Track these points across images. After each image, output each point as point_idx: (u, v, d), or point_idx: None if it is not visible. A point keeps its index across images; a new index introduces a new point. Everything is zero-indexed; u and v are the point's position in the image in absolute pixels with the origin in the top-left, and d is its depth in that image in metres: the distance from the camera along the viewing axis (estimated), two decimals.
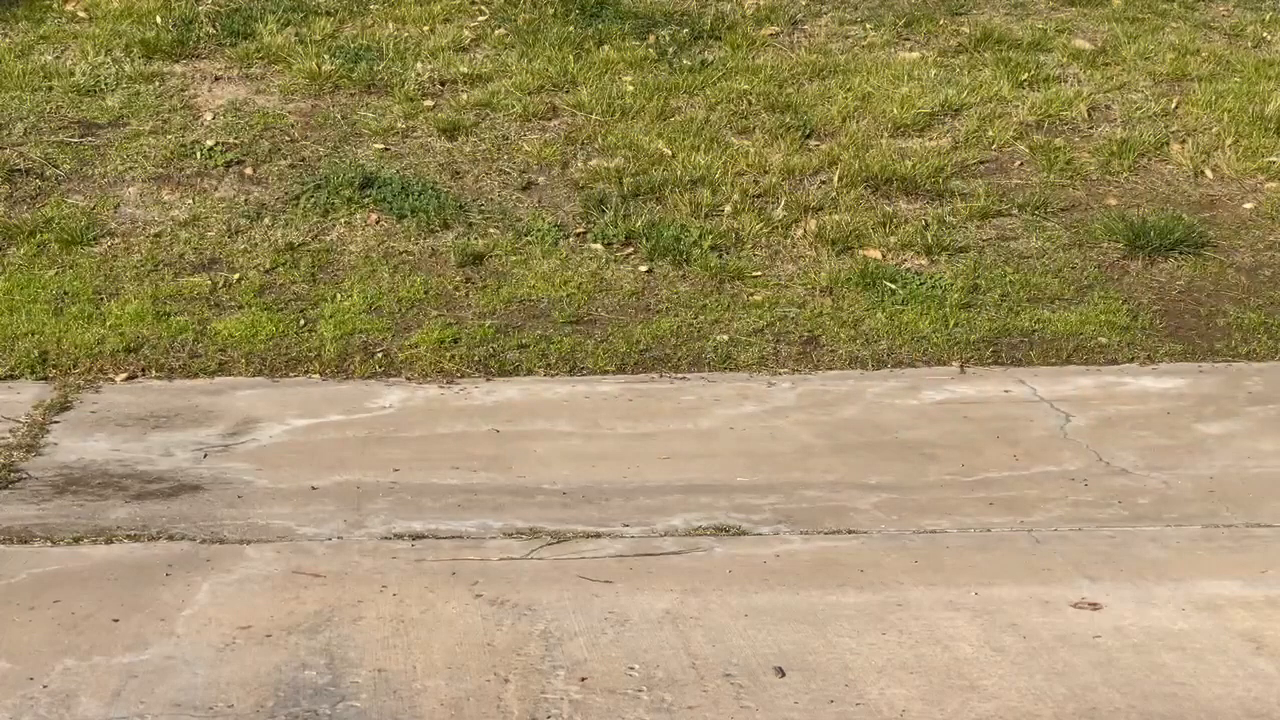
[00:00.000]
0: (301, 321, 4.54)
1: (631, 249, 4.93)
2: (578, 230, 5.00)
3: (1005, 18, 6.27)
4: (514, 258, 4.87)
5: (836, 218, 5.09)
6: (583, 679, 2.69)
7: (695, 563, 3.17)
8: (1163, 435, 3.96)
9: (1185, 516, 3.45)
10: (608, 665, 2.74)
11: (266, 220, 4.98)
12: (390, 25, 5.99)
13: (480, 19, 6.10)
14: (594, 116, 5.51)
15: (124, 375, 4.30)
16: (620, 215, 5.03)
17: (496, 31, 6.00)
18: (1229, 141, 5.52)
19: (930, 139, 5.51)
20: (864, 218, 5.10)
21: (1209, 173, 5.43)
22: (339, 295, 4.65)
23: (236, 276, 4.74)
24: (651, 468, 3.72)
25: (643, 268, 4.85)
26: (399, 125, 5.45)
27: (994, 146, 5.50)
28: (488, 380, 4.33)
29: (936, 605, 2.98)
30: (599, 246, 4.94)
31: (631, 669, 2.73)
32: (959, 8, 6.34)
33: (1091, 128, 5.62)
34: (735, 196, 5.16)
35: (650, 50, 5.90)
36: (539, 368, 4.40)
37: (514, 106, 5.54)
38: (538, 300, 4.69)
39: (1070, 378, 4.38)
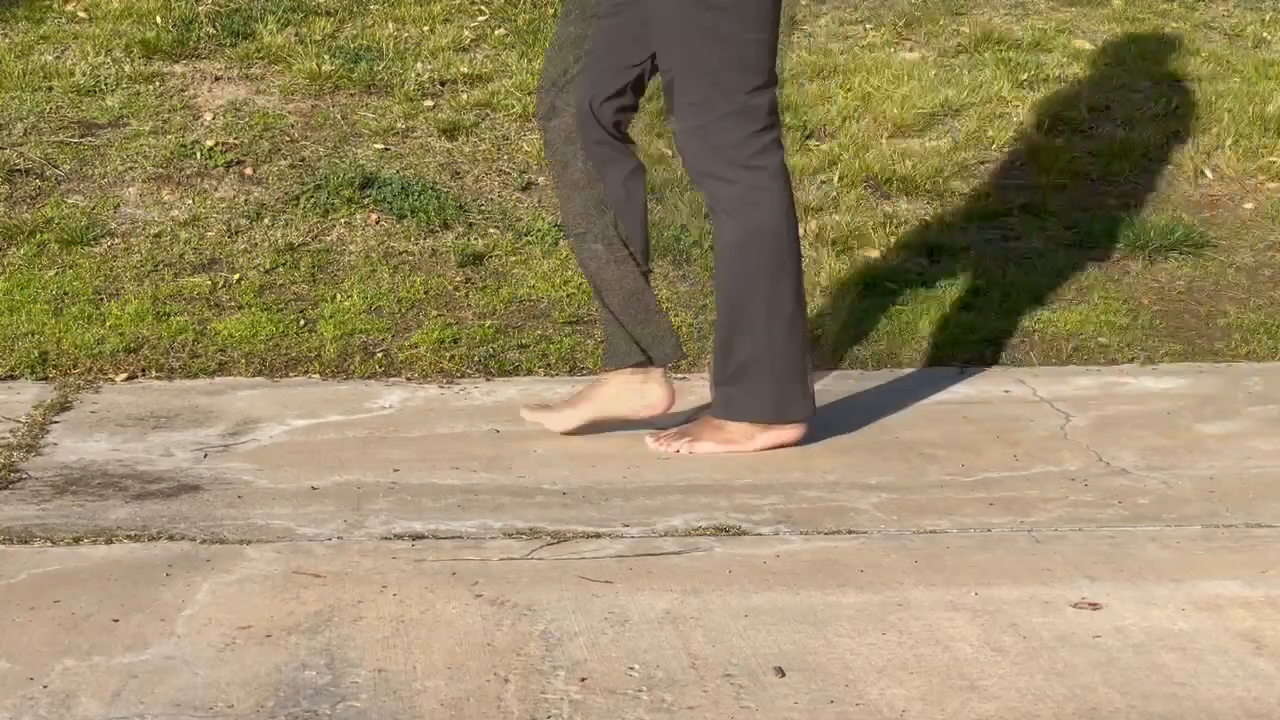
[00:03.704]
0: (301, 322, 4.54)
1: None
2: (578, 230, 5.00)
3: (1005, 18, 6.27)
4: (514, 258, 4.88)
5: (836, 218, 5.10)
6: (583, 679, 2.69)
7: (695, 563, 3.17)
8: (1163, 435, 3.96)
9: (1185, 516, 3.45)
10: (608, 665, 2.74)
11: (266, 220, 4.98)
12: (390, 25, 6.00)
13: (480, 19, 6.10)
14: None
15: (124, 375, 4.30)
16: None
17: (496, 31, 6.00)
18: (1229, 141, 5.52)
19: (930, 139, 5.52)
20: (864, 218, 5.11)
21: (1209, 173, 5.43)
22: (339, 295, 4.66)
23: (236, 277, 4.74)
24: (651, 468, 3.72)
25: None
26: (399, 125, 5.45)
27: (994, 146, 5.50)
28: (488, 380, 4.33)
29: (936, 605, 2.98)
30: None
31: (631, 669, 2.73)
32: (959, 8, 6.34)
33: (1091, 128, 5.63)
34: None
35: None
36: (539, 368, 4.40)
37: (514, 106, 5.54)
38: (538, 300, 4.69)
39: (1070, 378, 4.38)
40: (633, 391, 3.83)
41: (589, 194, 3.79)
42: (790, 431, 3.80)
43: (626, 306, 3.81)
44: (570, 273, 4.80)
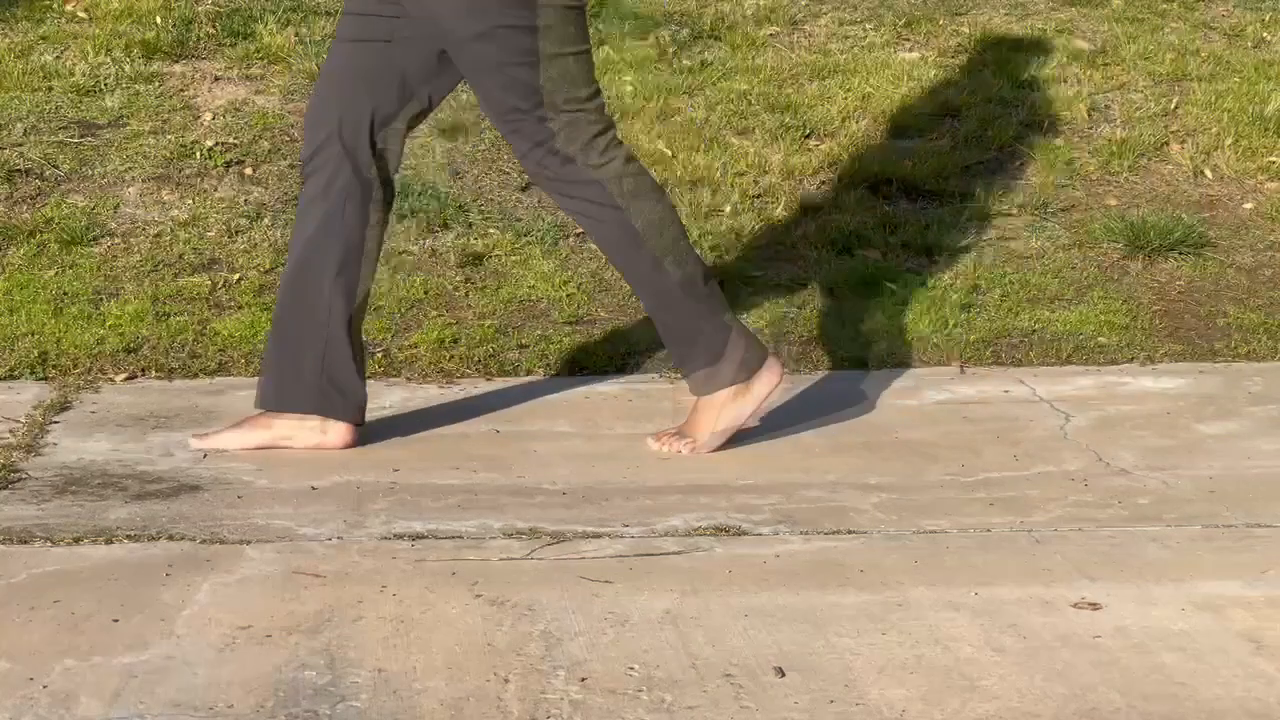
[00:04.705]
0: None
1: None
2: (578, 230, 5.00)
3: (1005, 18, 6.27)
4: (514, 258, 4.87)
5: (836, 218, 5.10)
6: (583, 679, 2.69)
7: (695, 563, 3.17)
8: (1163, 435, 3.96)
9: (1185, 516, 3.45)
10: (608, 665, 2.74)
11: (266, 220, 4.98)
12: None
13: None
14: None
15: (124, 375, 4.30)
16: None
17: None
18: (1229, 141, 5.53)
19: (930, 139, 5.52)
20: (864, 218, 5.11)
21: (1209, 173, 5.43)
22: None
23: (236, 276, 4.74)
24: (651, 468, 3.72)
25: None
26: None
27: (994, 146, 5.50)
28: (488, 380, 4.34)
29: (937, 605, 2.98)
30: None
31: (631, 669, 2.73)
32: (959, 8, 6.34)
33: (1091, 128, 5.63)
34: (735, 197, 5.16)
35: (650, 50, 5.90)
36: (539, 368, 4.40)
37: None
38: (538, 300, 4.69)
39: (1070, 378, 4.38)
40: (311, 430, 3.81)
41: (343, 233, 3.76)
42: (770, 375, 3.80)
43: (327, 353, 3.78)
44: (570, 273, 4.80)
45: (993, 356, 4.50)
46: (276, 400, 3.81)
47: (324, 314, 3.76)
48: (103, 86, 5.55)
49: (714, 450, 3.81)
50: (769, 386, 3.82)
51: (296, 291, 3.77)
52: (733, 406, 3.81)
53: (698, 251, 3.83)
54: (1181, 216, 5.15)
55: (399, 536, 3.29)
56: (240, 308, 4.59)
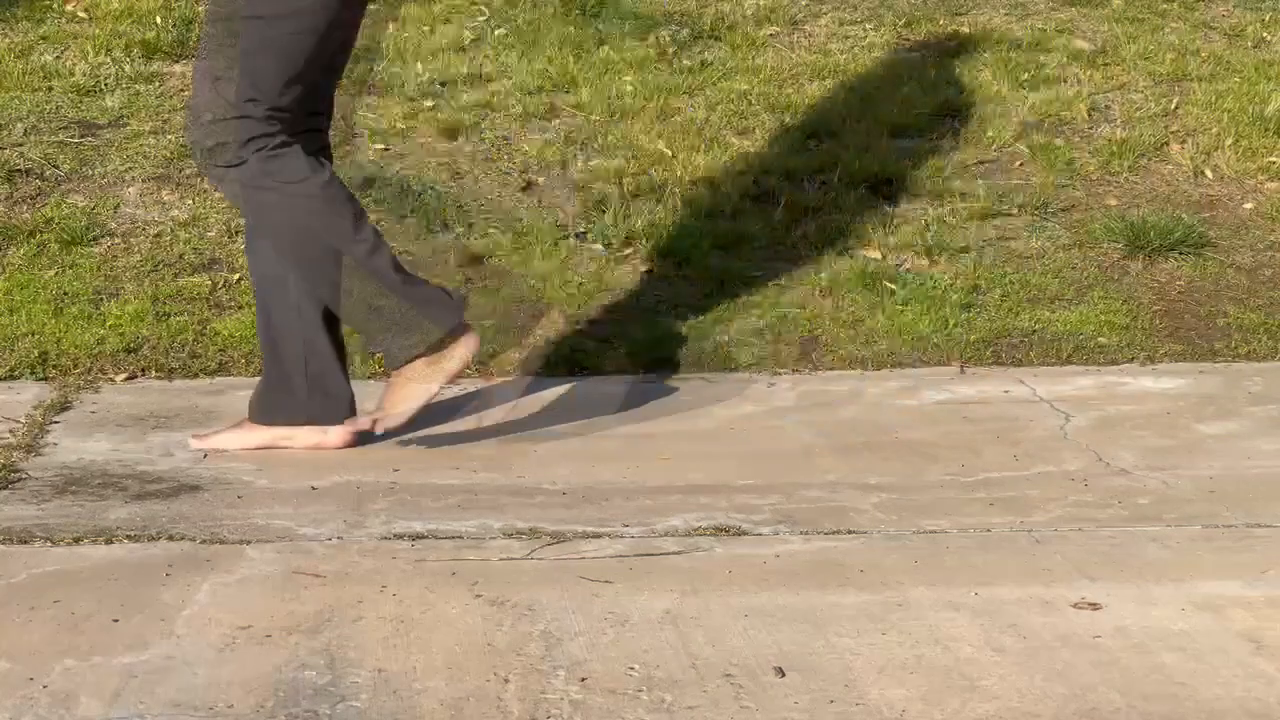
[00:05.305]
0: None
1: (631, 249, 4.94)
2: (578, 230, 5.00)
3: (1005, 18, 6.27)
4: (514, 258, 4.88)
5: (836, 218, 5.10)
6: (583, 679, 2.69)
7: (695, 563, 3.17)
8: (1163, 435, 3.96)
9: (1185, 516, 3.45)
10: (608, 665, 2.74)
11: None
12: (390, 25, 5.99)
13: (480, 19, 6.10)
14: (594, 116, 5.51)
15: (124, 375, 4.30)
16: (620, 215, 5.03)
17: (497, 31, 6.00)
18: (1229, 141, 5.52)
19: (930, 139, 5.52)
20: (864, 218, 5.11)
21: (1209, 173, 5.43)
22: None
23: (236, 277, 4.74)
24: (651, 468, 3.72)
25: (643, 268, 4.86)
26: (399, 126, 5.45)
27: (994, 146, 5.50)
28: (487, 380, 4.33)
29: (937, 605, 2.98)
30: (599, 246, 4.94)
31: (631, 669, 2.73)
32: (959, 8, 6.34)
33: (1091, 128, 5.63)
34: (735, 197, 5.16)
35: (650, 50, 5.90)
36: (539, 368, 4.40)
37: (514, 106, 5.54)
38: (538, 300, 4.69)
39: (1070, 378, 4.38)
40: (311, 430, 3.82)
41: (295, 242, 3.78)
42: (464, 349, 3.75)
43: (309, 360, 3.79)
44: (570, 273, 4.80)
45: (993, 356, 4.50)
46: (268, 414, 3.81)
47: (300, 320, 3.76)
48: (103, 86, 5.55)
49: (406, 422, 3.77)
50: (462, 361, 3.77)
51: (273, 304, 3.77)
52: (422, 380, 3.76)
53: (377, 230, 3.77)
54: (1181, 216, 5.15)
55: (399, 536, 3.29)
56: (240, 308, 4.59)
